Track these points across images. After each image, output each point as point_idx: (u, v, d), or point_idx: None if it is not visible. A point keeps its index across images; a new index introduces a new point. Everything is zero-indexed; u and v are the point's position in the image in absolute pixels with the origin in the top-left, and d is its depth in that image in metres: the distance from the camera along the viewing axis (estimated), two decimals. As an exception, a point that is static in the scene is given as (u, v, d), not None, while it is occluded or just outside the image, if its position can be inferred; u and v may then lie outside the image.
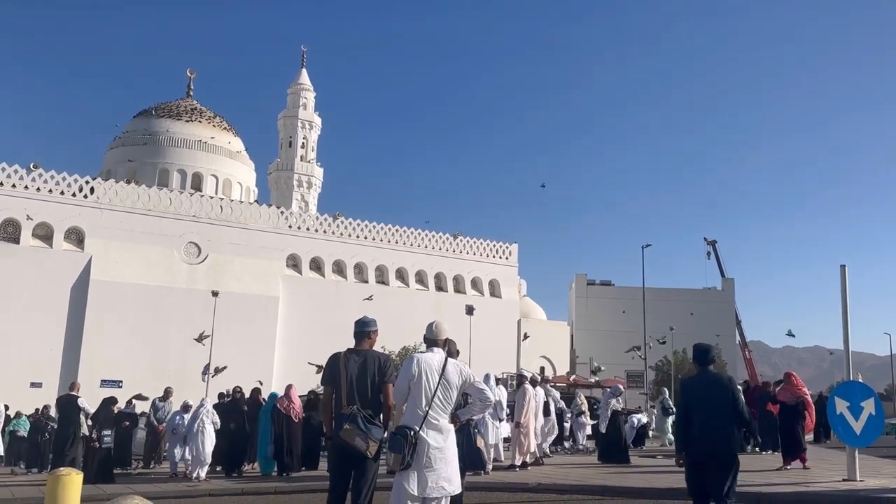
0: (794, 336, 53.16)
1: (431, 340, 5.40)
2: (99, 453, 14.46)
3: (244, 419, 14.79)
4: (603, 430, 15.94)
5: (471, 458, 5.97)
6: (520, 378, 15.37)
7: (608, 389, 18.60)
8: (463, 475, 6.11)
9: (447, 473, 4.97)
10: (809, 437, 23.45)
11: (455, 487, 5.05)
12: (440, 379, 5.05)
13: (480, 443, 6.15)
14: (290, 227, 52.95)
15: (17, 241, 43.48)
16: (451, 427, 5.12)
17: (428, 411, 4.96)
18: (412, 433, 4.88)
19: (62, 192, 45.43)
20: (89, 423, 14.90)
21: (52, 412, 20.31)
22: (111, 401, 15.21)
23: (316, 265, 53.42)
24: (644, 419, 22.53)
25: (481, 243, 60.97)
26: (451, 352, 6.14)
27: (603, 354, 62.60)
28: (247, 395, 16.10)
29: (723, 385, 6.54)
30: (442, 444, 4.98)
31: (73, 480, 4.97)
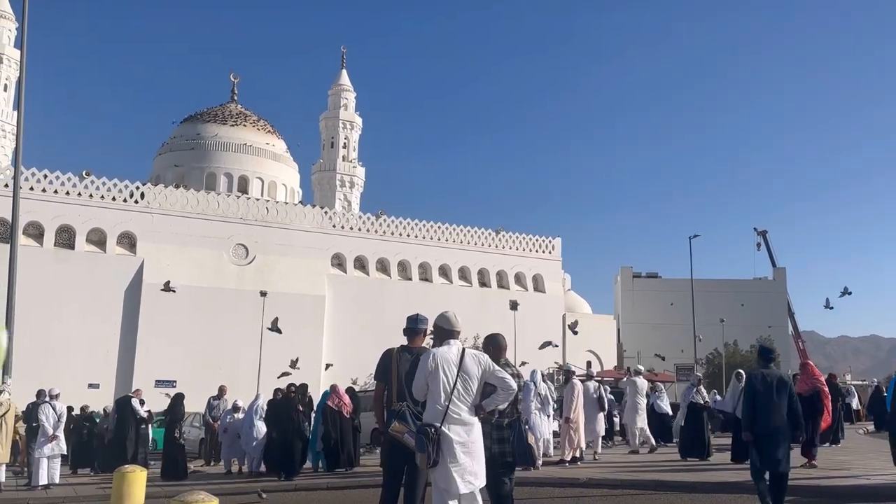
0: (850, 293, 47.07)
1: (447, 331, 5.26)
2: (182, 451, 14.94)
3: (299, 419, 14.16)
4: (682, 422, 15.09)
5: (521, 453, 5.94)
6: (567, 373, 15.28)
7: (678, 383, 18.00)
8: (513, 470, 6.13)
9: (473, 468, 4.89)
10: (864, 430, 22.89)
11: (481, 481, 4.98)
12: (458, 372, 4.95)
13: (531, 439, 6.09)
14: (333, 226, 53.53)
15: (72, 247, 44.87)
16: (475, 420, 5.02)
17: (448, 406, 4.88)
18: (433, 430, 4.81)
19: (114, 198, 46.70)
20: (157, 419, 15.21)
21: (90, 412, 21.03)
22: (182, 397, 15.66)
23: (360, 264, 53.91)
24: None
25: (524, 238, 60.72)
26: (501, 346, 6.17)
27: (650, 348, 61.76)
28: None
29: (783, 380, 8.06)
30: (465, 437, 4.89)
31: (137, 477, 5.13)
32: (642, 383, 16.82)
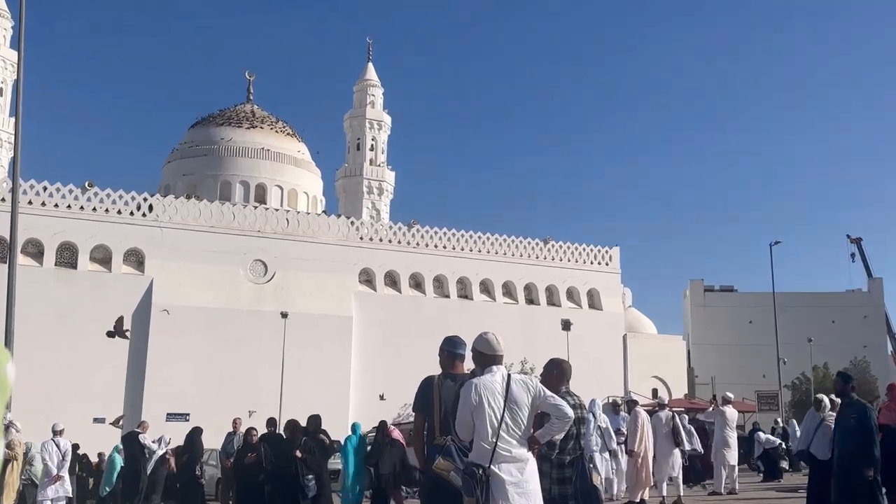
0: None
1: (490, 357, 5.19)
2: (201, 489, 15.16)
3: (298, 471, 11.23)
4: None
5: (585, 494, 5.83)
6: (630, 402, 15.06)
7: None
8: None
9: None
10: None
11: None
12: (505, 403, 4.91)
13: (597, 479, 5.98)
14: (361, 238, 53.85)
15: (74, 265, 45.83)
16: (529, 455, 4.96)
17: (496, 443, 4.83)
18: (480, 471, 4.78)
19: (119, 212, 47.63)
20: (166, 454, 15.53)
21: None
22: (199, 431, 15.93)
23: (391, 280, 54.06)
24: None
25: (576, 248, 60.23)
26: (565, 372, 6.10)
27: (726, 373, 60.68)
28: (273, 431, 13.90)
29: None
30: (518, 477, 4.84)
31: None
32: (732, 413, 16.10)
